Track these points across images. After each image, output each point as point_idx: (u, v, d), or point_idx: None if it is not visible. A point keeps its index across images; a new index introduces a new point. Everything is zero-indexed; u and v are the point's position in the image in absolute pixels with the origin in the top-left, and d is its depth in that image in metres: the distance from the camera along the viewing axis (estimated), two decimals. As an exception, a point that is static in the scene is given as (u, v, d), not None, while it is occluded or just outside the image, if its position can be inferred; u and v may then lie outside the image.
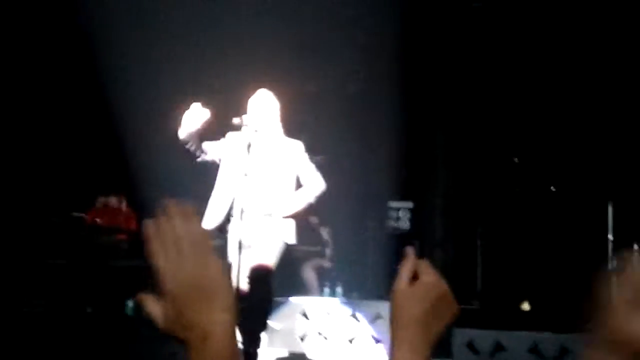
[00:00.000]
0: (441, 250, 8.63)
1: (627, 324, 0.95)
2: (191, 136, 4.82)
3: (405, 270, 1.19)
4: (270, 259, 4.85)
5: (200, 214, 5.16)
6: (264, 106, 5.05)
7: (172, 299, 0.95)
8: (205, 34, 8.74)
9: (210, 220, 4.90)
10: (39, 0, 8.72)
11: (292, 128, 5.34)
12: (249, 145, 4.88)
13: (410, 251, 1.19)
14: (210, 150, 5.00)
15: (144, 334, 6.18)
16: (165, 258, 0.96)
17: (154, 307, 0.97)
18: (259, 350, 4.85)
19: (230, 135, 5.06)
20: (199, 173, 5.26)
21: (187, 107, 4.82)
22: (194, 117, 4.77)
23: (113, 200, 8.82)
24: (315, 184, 5.02)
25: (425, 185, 8.99)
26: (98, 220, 8.40)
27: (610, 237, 7.05)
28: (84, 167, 9.30)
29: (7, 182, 8.49)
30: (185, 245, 0.95)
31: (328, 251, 8.55)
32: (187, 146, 4.87)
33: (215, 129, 4.98)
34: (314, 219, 8.57)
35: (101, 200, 8.79)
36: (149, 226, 0.97)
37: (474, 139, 8.68)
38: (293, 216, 4.96)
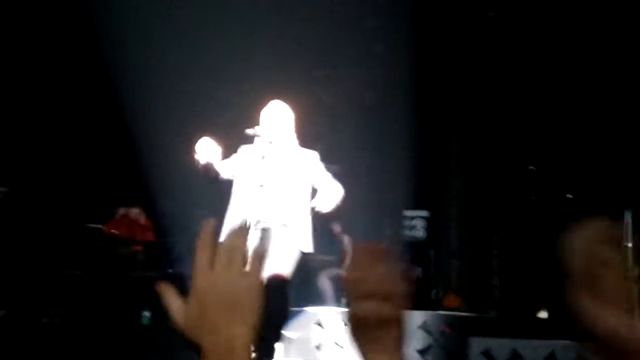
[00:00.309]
0: (457, 259, 8.61)
1: (595, 323, 0.93)
2: (206, 168, 4.87)
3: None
4: (286, 269, 4.86)
5: (219, 227, 5.17)
6: (277, 117, 5.06)
7: (202, 301, 0.96)
8: (221, 46, 8.79)
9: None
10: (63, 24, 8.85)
11: (308, 139, 5.36)
12: (263, 156, 4.91)
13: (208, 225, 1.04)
14: (225, 169, 5.03)
15: (160, 344, 6.21)
16: (209, 263, 0.98)
17: (174, 301, 0.99)
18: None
19: (242, 148, 5.09)
20: (216, 187, 5.29)
21: (200, 136, 4.86)
22: (205, 151, 4.81)
23: (133, 212, 8.88)
24: (335, 189, 5.00)
25: (441, 194, 8.98)
26: (115, 231, 8.46)
27: (628, 244, 6.99)
28: (101, 179, 9.37)
29: (25, 194, 8.57)
30: (235, 257, 0.98)
31: (346, 260, 8.55)
32: (205, 175, 4.92)
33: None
34: (337, 227, 8.59)
35: (121, 211, 8.85)
36: (206, 231, 1.00)
37: (489, 148, 8.66)
38: (330, 212, 4.95)
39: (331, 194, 4.90)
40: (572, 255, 0.94)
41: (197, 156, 4.82)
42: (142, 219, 8.90)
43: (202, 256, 0.98)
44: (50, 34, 8.84)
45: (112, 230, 8.46)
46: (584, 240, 0.93)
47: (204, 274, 0.97)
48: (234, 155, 5.10)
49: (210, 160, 4.82)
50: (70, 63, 9.04)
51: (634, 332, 0.90)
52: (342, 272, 8.43)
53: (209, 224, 1.00)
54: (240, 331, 0.95)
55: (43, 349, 6.19)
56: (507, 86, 8.48)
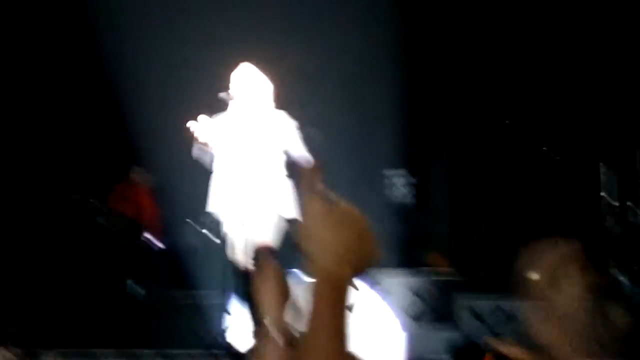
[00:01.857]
0: (444, 220, 8.66)
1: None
2: (202, 151, 4.87)
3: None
4: (269, 236, 4.87)
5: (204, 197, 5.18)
6: (247, 79, 5.03)
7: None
8: (202, 13, 8.67)
9: (214, 204, 4.93)
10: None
11: (289, 103, 5.34)
12: (237, 120, 4.89)
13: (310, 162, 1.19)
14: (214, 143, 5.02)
15: (148, 310, 6.24)
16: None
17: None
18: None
19: (217, 117, 5.07)
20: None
21: (182, 105, 4.85)
22: (201, 130, 4.81)
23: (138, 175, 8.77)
24: (300, 157, 5.00)
25: (426, 157, 9.01)
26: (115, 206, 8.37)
27: (603, 194, 7.09)
28: (85, 150, 9.28)
29: (4, 164, 8.48)
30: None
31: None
32: (202, 160, 4.93)
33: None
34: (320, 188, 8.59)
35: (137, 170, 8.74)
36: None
37: (466, 104, 8.68)
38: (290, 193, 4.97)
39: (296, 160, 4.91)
40: (533, 271, 1.14)
41: (194, 135, 4.82)
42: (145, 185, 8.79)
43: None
44: (36, 14, 8.69)
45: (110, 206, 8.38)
46: (545, 261, 1.13)
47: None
48: (212, 126, 5.08)
49: (207, 140, 4.82)
50: (48, 38, 8.90)
51: (562, 355, 1.09)
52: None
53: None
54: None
55: (26, 323, 6.18)
56: (489, 44, 8.47)
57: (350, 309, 1.05)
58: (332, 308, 1.02)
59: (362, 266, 1.07)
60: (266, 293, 1.45)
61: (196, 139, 4.87)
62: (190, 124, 4.86)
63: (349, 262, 1.04)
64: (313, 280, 1.04)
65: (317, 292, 1.03)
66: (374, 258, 1.08)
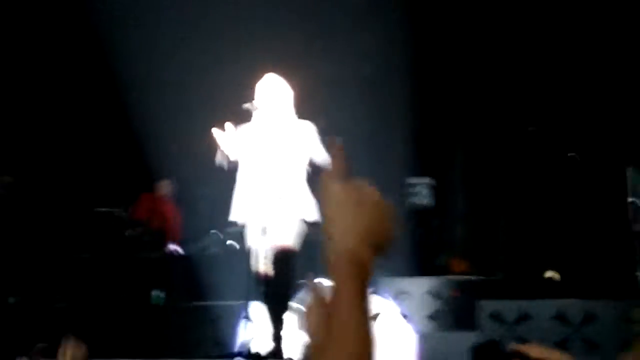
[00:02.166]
0: (463, 224, 8.62)
1: None
2: (225, 158, 4.93)
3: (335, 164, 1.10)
4: (290, 241, 4.89)
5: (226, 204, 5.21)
6: (272, 89, 5.07)
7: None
8: (220, 22, 8.75)
9: (237, 213, 4.98)
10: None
11: (309, 111, 5.37)
12: (261, 130, 4.94)
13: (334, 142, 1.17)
14: (237, 152, 5.08)
15: (171, 321, 6.28)
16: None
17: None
18: (282, 333, 4.90)
19: (242, 127, 5.12)
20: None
21: (206, 117, 4.91)
22: (221, 139, 4.88)
23: (163, 187, 8.86)
24: (323, 163, 5.03)
25: (445, 161, 8.97)
26: (138, 216, 8.45)
27: (630, 199, 7.00)
28: (107, 163, 9.38)
29: (32, 182, 8.60)
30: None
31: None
32: (225, 167, 4.99)
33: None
34: None
35: (165, 182, 8.83)
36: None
37: (492, 111, 8.63)
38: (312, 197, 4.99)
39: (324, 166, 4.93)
40: None
41: (217, 144, 4.90)
42: (168, 197, 8.86)
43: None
44: (49, 27, 8.83)
45: (135, 217, 8.47)
46: None
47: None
48: (236, 136, 5.14)
49: (230, 148, 4.90)
50: (71, 51, 9.03)
51: None
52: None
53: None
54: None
55: (56, 334, 6.24)
56: (505, 48, 8.43)
57: (374, 318, 1.03)
58: (356, 289, 1.00)
59: (383, 247, 1.05)
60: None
61: (219, 147, 4.93)
62: (215, 131, 4.91)
63: (370, 242, 1.02)
64: (335, 263, 1.01)
65: (340, 273, 1.00)
66: (392, 239, 1.06)
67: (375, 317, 1.02)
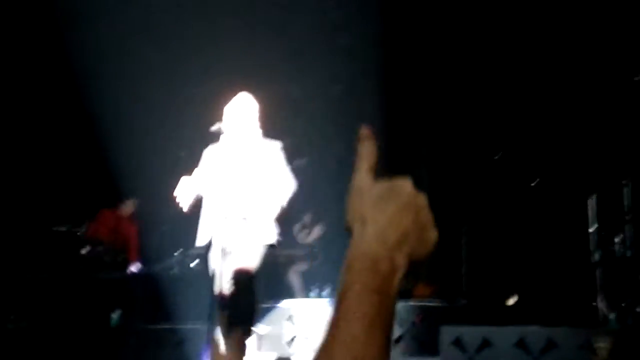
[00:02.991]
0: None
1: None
2: (191, 205, 4.93)
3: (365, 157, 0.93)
4: (251, 263, 4.85)
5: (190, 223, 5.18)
6: (240, 110, 5.07)
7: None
8: (187, 41, 8.74)
9: (203, 238, 4.94)
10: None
11: (276, 132, 5.37)
12: (227, 151, 4.92)
13: (366, 133, 0.93)
14: (203, 187, 5.07)
15: (131, 344, 6.16)
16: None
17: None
18: (244, 358, 4.84)
19: (208, 150, 5.10)
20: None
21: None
22: (186, 191, 4.88)
23: (126, 206, 8.73)
24: (285, 186, 5.01)
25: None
26: (95, 235, 8.31)
27: (590, 230, 7.11)
28: (67, 182, 9.25)
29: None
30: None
31: (314, 253, 8.55)
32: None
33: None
34: (307, 217, 8.60)
35: (130, 202, 8.71)
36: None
37: (456, 138, 8.72)
38: (273, 220, 4.98)
39: (276, 197, 4.94)
40: None
41: (180, 200, 4.89)
42: (127, 215, 8.74)
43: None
44: (23, 36, 8.73)
45: (93, 235, 8.32)
46: None
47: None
48: (201, 162, 5.13)
49: (194, 199, 4.90)
50: (29, 63, 8.91)
51: None
52: (308, 265, 8.45)
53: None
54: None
55: (11, 356, 6.10)
56: (471, 76, 8.54)
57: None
58: (371, 304, 0.80)
59: (419, 253, 0.86)
60: None
61: (183, 203, 4.96)
62: (176, 193, 4.93)
63: (406, 250, 0.84)
64: (351, 266, 0.83)
65: (353, 284, 0.81)
66: (431, 243, 0.88)
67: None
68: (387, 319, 0.82)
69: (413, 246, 0.87)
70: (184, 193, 4.87)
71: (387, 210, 0.87)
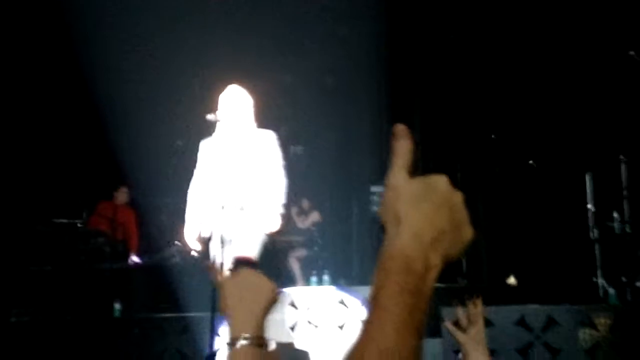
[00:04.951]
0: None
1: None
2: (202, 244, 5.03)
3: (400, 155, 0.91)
4: (251, 252, 4.89)
5: (183, 211, 5.21)
6: (235, 100, 5.08)
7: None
8: (180, 32, 8.72)
9: (202, 228, 5.00)
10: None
11: (271, 121, 5.39)
12: (222, 142, 4.94)
13: (402, 130, 0.92)
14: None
15: (135, 333, 6.19)
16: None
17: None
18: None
19: (203, 142, 5.13)
20: (181, 176, 5.32)
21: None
22: (197, 238, 4.98)
23: (120, 194, 8.76)
24: (276, 186, 5.06)
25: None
26: (97, 227, 8.33)
27: (589, 207, 7.14)
28: (66, 173, 9.25)
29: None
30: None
31: (313, 240, 8.58)
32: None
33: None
34: (305, 203, 8.62)
35: (123, 190, 8.74)
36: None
37: (452, 120, 8.72)
38: (278, 228, 5.06)
39: (273, 199, 5.00)
40: None
41: (189, 246, 5.01)
42: (124, 203, 8.77)
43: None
44: (24, 30, 8.71)
45: (96, 227, 8.34)
46: None
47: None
48: (198, 155, 5.16)
49: (204, 241, 4.99)
50: (28, 58, 8.90)
51: None
52: (308, 252, 8.48)
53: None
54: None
55: (14, 349, 6.13)
56: (467, 59, 8.53)
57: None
58: (405, 304, 0.79)
59: (453, 252, 0.85)
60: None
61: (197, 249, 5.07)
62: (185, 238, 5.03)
63: (437, 247, 0.83)
64: (385, 265, 0.82)
65: (387, 284, 0.80)
66: (466, 241, 0.86)
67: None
68: (419, 319, 0.81)
69: (448, 245, 0.86)
70: (191, 237, 5.00)
71: (422, 209, 0.85)
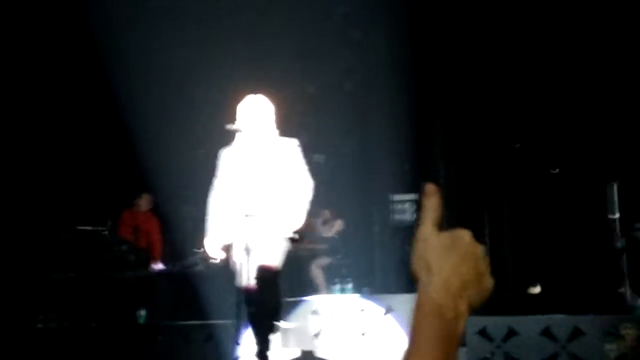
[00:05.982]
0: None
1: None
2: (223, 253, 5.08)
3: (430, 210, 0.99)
4: (274, 260, 4.90)
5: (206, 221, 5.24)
6: (254, 109, 5.10)
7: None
8: (198, 42, 8.78)
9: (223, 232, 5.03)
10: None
11: (292, 129, 5.40)
12: (243, 150, 4.97)
13: (432, 189, 1.01)
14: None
15: (159, 341, 6.23)
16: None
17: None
18: (269, 353, 4.89)
19: (223, 152, 5.16)
20: (205, 184, 5.35)
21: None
22: (216, 248, 5.05)
23: (143, 201, 8.83)
24: (302, 187, 5.06)
25: (428, 176, 9.01)
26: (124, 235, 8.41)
27: (612, 216, 7.07)
28: (90, 181, 9.34)
29: (14, 200, 8.53)
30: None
31: (336, 248, 8.58)
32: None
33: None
34: (327, 213, 8.64)
35: (146, 197, 8.81)
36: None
37: (474, 127, 8.69)
38: (300, 228, 5.07)
39: (298, 202, 5.02)
40: None
41: (212, 255, 5.06)
42: (147, 210, 8.83)
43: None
44: (45, 35, 8.80)
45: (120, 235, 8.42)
46: None
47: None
48: (218, 164, 5.19)
49: (223, 251, 5.05)
50: (49, 64, 9.00)
51: None
52: (331, 260, 8.48)
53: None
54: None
55: (40, 356, 6.19)
56: (489, 65, 8.50)
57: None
58: (439, 347, 0.89)
59: (477, 300, 0.94)
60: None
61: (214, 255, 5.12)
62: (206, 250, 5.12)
63: (464, 295, 0.92)
64: (419, 313, 0.92)
65: (422, 327, 0.90)
66: (488, 289, 0.95)
67: None
68: (452, 353, 0.90)
69: (472, 293, 0.94)
70: (213, 246, 5.04)
71: (450, 260, 0.93)
